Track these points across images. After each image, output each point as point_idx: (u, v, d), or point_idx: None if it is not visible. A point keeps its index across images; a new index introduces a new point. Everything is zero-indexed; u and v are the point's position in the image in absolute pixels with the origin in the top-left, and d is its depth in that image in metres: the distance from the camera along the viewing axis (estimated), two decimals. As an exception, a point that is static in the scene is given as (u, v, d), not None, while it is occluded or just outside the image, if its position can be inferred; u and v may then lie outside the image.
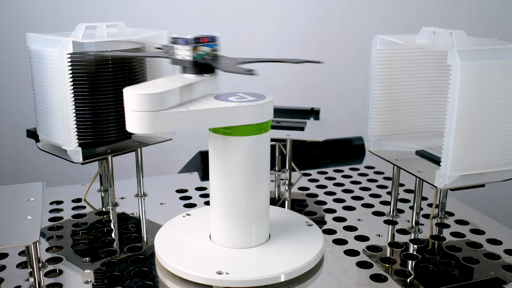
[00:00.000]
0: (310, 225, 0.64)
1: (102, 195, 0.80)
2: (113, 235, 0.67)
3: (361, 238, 0.66)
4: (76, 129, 0.65)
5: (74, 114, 0.64)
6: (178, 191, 0.83)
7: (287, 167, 0.84)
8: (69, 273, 0.58)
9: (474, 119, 0.57)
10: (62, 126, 0.65)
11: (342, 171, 0.93)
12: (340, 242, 0.65)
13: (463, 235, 0.68)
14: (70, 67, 0.63)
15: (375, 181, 0.88)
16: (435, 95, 0.72)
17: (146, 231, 0.69)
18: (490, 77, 0.57)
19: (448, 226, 0.71)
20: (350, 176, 0.90)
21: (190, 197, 0.80)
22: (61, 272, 0.58)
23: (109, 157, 0.74)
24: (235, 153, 0.56)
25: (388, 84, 0.70)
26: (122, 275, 0.57)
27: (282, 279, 0.54)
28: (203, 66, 0.58)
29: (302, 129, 0.80)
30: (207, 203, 0.77)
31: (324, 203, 0.78)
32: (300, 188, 0.85)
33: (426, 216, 0.73)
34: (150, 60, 0.76)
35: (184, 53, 0.58)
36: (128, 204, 0.77)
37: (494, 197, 1.35)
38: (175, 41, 0.58)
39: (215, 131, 0.56)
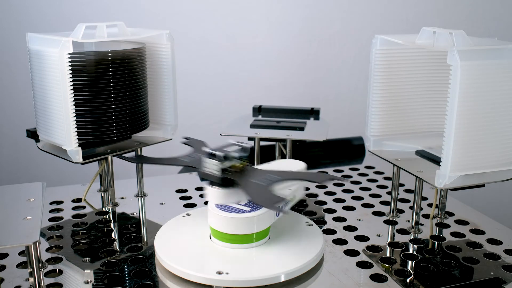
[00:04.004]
0: (310, 225, 0.64)
1: (102, 195, 0.80)
2: (113, 235, 0.67)
3: (361, 238, 0.66)
4: (76, 129, 0.65)
5: (74, 114, 0.64)
6: (178, 191, 0.83)
7: (287, 167, 0.84)
8: (69, 273, 0.58)
9: (474, 119, 0.57)
10: (62, 126, 0.65)
11: (342, 171, 0.93)
12: (340, 242, 0.65)
13: (463, 235, 0.68)
14: (70, 67, 0.63)
15: (375, 181, 0.88)
16: (435, 95, 0.72)
17: (146, 231, 0.69)
18: (490, 77, 0.57)
19: (448, 226, 0.71)
20: (350, 176, 0.90)
21: (190, 197, 0.80)
22: (61, 272, 0.58)
23: (109, 157, 0.74)
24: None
25: (388, 84, 0.70)
26: (122, 275, 0.57)
27: (282, 279, 0.54)
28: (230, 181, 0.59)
29: (302, 129, 0.80)
30: (207, 203, 0.77)
31: (324, 203, 0.78)
32: (300, 188, 0.85)
33: (426, 216, 0.73)
34: (150, 60, 0.76)
35: (212, 167, 0.58)
36: (128, 204, 0.77)
37: (494, 197, 1.35)
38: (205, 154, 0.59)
39: None
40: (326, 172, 0.92)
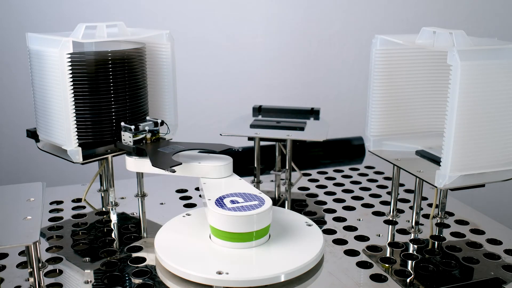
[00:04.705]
0: (310, 225, 0.64)
1: (102, 195, 0.80)
2: (113, 235, 0.67)
3: (361, 238, 0.66)
4: (76, 129, 0.65)
5: (74, 114, 0.64)
6: (178, 191, 0.83)
7: (287, 167, 0.84)
8: (69, 273, 0.58)
9: (474, 119, 0.57)
10: (62, 126, 0.65)
11: (342, 171, 0.93)
12: (340, 242, 0.65)
13: (463, 235, 0.68)
14: (70, 67, 0.63)
15: (375, 181, 0.88)
16: (435, 95, 0.72)
17: (146, 231, 0.69)
18: (490, 77, 0.57)
19: (448, 226, 0.71)
20: (350, 176, 0.90)
21: (190, 197, 0.80)
22: (61, 272, 0.58)
23: (109, 157, 0.74)
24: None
25: (388, 84, 0.70)
26: (122, 275, 0.57)
27: (282, 279, 0.54)
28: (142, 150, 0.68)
29: (302, 129, 0.80)
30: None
31: (324, 203, 0.78)
32: (300, 188, 0.85)
33: (426, 216, 0.73)
34: (150, 60, 0.76)
35: (127, 139, 0.68)
36: (128, 204, 0.77)
37: (494, 197, 1.35)
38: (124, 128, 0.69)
39: None
40: (326, 173, 0.92)
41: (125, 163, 0.69)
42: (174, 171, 0.62)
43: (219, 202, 0.59)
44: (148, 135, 0.70)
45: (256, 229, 0.57)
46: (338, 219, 0.72)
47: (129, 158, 0.68)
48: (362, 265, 0.60)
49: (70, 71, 0.63)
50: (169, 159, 0.64)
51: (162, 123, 0.71)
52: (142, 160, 0.67)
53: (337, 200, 0.80)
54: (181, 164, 0.64)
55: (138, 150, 0.68)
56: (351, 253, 0.63)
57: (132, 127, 0.68)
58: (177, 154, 0.67)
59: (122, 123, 0.69)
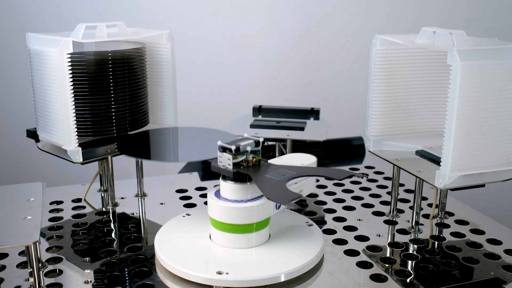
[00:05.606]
0: (310, 225, 0.64)
1: (102, 195, 0.80)
2: (113, 235, 0.67)
3: (361, 238, 0.66)
4: (76, 129, 0.65)
5: (74, 114, 0.64)
6: (178, 191, 0.83)
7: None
8: (69, 273, 0.58)
9: (474, 119, 0.57)
10: (62, 126, 0.65)
11: (342, 171, 0.93)
12: (340, 242, 0.65)
13: (463, 235, 0.68)
14: (70, 67, 0.63)
15: (375, 181, 0.88)
16: (435, 95, 0.72)
17: (146, 231, 0.69)
18: (490, 77, 0.57)
19: (448, 226, 0.71)
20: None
21: (190, 197, 0.80)
22: (61, 272, 0.58)
23: (109, 157, 0.74)
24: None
25: (388, 84, 0.70)
26: (122, 275, 0.57)
27: (282, 279, 0.54)
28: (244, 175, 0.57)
29: (302, 129, 0.80)
30: (207, 203, 0.77)
31: (324, 203, 0.78)
32: (300, 188, 0.85)
33: (426, 216, 0.73)
34: (150, 60, 0.76)
35: (225, 161, 0.57)
36: (128, 204, 0.77)
37: (494, 197, 1.35)
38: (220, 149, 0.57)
39: None
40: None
41: (220, 188, 0.59)
42: (297, 207, 0.53)
43: (219, 193, 0.58)
44: (250, 157, 0.58)
45: (256, 221, 0.57)
46: (338, 219, 0.72)
47: (226, 183, 0.57)
48: (362, 265, 0.60)
49: (70, 71, 0.63)
50: (285, 189, 0.54)
51: (264, 142, 0.60)
52: (243, 186, 0.57)
53: (337, 200, 0.80)
54: (302, 197, 0.56)
55: (238, 176, 0.57)
56: (351, 253, 0.63)
57: (233, 147, 0.56)
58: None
59: (220, 142, 0.57)
